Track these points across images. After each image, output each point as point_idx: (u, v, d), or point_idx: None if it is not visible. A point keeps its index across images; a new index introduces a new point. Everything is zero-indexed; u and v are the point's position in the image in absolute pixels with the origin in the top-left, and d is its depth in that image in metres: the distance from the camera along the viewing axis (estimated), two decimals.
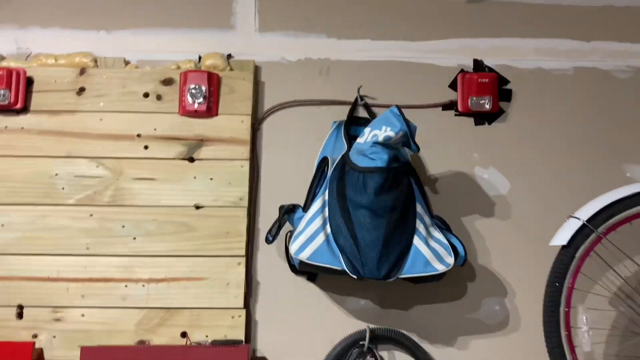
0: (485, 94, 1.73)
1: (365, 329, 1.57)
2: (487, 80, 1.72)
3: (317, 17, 1.85)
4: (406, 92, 1.80)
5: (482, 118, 1.78)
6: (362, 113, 1.79)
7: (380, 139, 1.40)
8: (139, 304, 1.59)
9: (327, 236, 1.44)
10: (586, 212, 1.41)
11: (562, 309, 1.38)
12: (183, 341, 1.56)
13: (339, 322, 1.63)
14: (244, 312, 1.60)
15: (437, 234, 1.46)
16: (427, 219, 1.47)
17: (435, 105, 1.79)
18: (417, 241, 1.43)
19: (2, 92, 1.67)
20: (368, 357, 1.55)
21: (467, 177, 1.75)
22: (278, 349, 1.62)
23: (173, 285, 1.61)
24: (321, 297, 1.66)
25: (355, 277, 1.42)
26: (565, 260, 1.39)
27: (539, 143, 1.77)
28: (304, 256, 1.42)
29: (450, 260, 1.42)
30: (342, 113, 1.76)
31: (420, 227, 1.45)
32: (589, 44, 1.85)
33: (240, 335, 1.57)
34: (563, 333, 1.37)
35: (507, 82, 1.81)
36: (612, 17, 1.86)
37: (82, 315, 1.58)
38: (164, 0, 1.86)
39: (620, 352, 1.60)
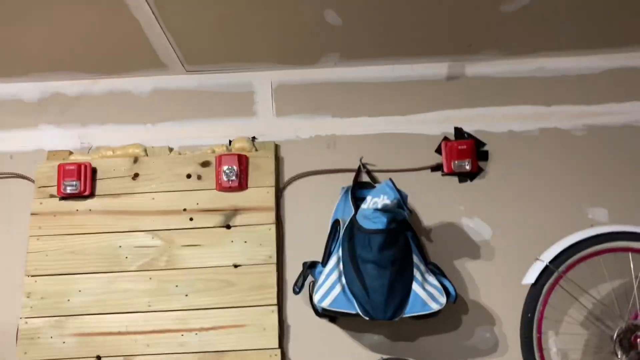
0: (465, 158, 2.09)
1: (379, 359, 1.91)
2: (465, 146, 2.10)
3: (323, 101, 2.25)
4: (400, 158, 2.18)
5: (465, 176, 2.15)
6: (365, 178, 2.16)
7: (379, 206, 1.78)
8: (193, 349, 1.96)
9: (342, 287, 1.80)
10: (548, 255, 1.76)
11: (534, 334, 1.72)
12: None
13: (357, 355, 1.98)
14: (279, 351, 1.95)
15: (431, 279, 1.82)
16: (422, 267, 1.83)
17: (424, 168, 2.16)
18: (415, 286, 1.79)
19: (74, 182, 2.08)
20: None
21: (456, 226, 2.11)
22: None
23: (220, 332, 1.97)
24: (342, 335, 2.01)
25: (367, 318, 1.77)
26: (534, 296, 1.74)
27: (513, 194, 2.13)
28: (325, 304, 1.78)
29: (443, 300, 1.77)
30: (349, 179, 2.14)
31: (417, 274, 1.80)
32: (549, 108, 2.22)
33: None
34: (537, 354, 1.71)
35: (483, 144, 2.18)
36: (568, 83, 2.23)
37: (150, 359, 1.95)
38: (198, 95, 2.27)
39: None
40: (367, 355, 1.98)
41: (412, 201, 2.13)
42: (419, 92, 2.25)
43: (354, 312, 1.79)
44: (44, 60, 2.14)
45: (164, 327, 1.98)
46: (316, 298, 1.80)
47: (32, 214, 2.10)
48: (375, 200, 1.81)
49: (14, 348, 1.97)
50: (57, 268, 2.04)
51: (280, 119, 2.25)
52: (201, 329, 1.98)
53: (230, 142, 2.20)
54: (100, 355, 1.96)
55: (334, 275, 1.82)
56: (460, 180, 2.15)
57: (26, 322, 1.99)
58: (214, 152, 2.16)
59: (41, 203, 2.10)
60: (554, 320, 1.85)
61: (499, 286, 2.03)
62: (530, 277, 1.75)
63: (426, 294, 1.78)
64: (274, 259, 2.03)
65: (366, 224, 1.81)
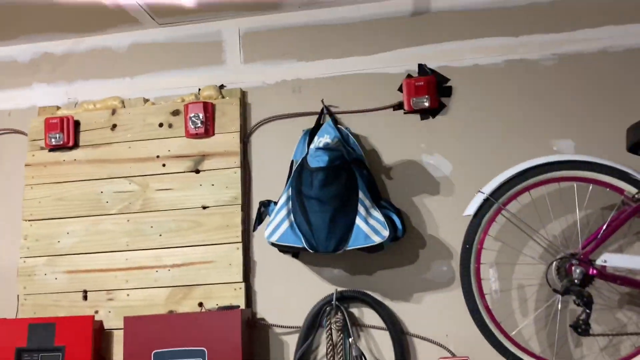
0: (423, 94, 2.08)
1: (334, 292, 2.00)
2: (422, 83, 2.08)
3: (289, 45, 2.28)
4: (364, 98, 2.19)
5: (426, 113, 2.14)
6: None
7: (321, 145, 1.83)
8: (166, 283, 2.12)
9: (290, 222, 1.88)
10: (489, 187, 1.76)
11: (472, 265, 1.74)
12: (200, 309, 2.07)
13: (317, 287, 2.07)
14: (243, 285, 2.08)
15: (376, 214, 1.86)
16: (367, 202, 1.87)
17: (386, 107, 2.17)
18: (358, 221, 1.84)
19: (58, 135, 2.26)
20: (338, 314, 1.98)
21: (416, 163, 2.12)
22: (272, 311, 2.09)
23: (190, 268, 2.12)
24: (304, 269, 2.10)
25: (312, 251, 1.86)
26: (473, 228, 1.76)
27: (476, 129, 2.11)
28: (274, 239, 1.88)
29: (385, 233, 1.82)
30: (313, 122, 2.19)
31: (361, 209, 1.85)
32: (517, 38, 2.14)
33: (241, 302, 2.06)
34: (474, 285, 1.73)
35: (447, 80, 2.16)
36: (538, 12, 2.14)
37: (127, 295, 2.14)
38: (170, 47, 2.36)
39: (521, 295, 1.91)
40: (327, 287, 2.07)
41: (373, 140, 2.16)
42: (384, 31, 2.24)
43: (300, 245, 1.87)
44: (34, 22, 2.28)
45: (141, 265, 2.15)
46: (266, 233, 1.90)
47: (25, 165, 2.31)
48: (320, 140, 1.86)
49: (15, 284, 2.22)
50: (48, 213, 2.25)
51: (247, 66, 2.31)
52: (173, 266, 2.13)
53: (199, 90, 2.29)
54: (87, 290, 2.16)
55: (283, 212, 1.91)
56: (422, 118, 2.15)
57: (24, 262, 2.22)
58: (183, 101, 2.27)
59: (33, 155, 2.31)
60: (493, 251, 1.85)
61: (457, 221, 2.02)
62: (470, 209, 1.76)
63: (369, 228, 1.83)
64: (239, 200, 2.14)
65: (312, 162, 1.87)
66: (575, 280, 1.60)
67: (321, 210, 1.83)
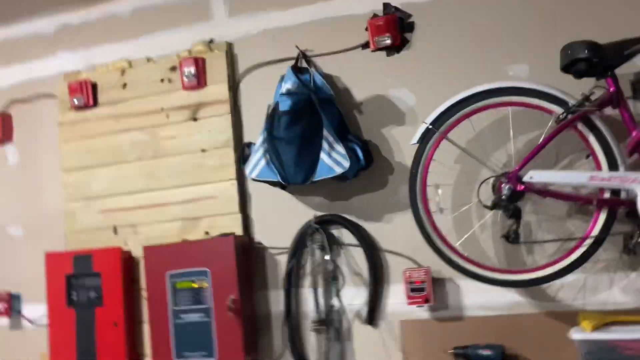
0: (384, 33, 2.24)
1: (314, 215, 2.30)
2: (382, 22, 2.23)
3: None
4: (335, 40, 2.38)
5: (392, 50, 2.30)
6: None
7: (284, 90, 2.08)
8: (178, 217, 2.51)
9: (267, 160, 2.18)
10: (431, 117, 1.95)
11: (418, 187, 1.97)
12: (207, 237, 2.44)
13: (304, 213, 2.37)
14: (240, 215, 2.42)
15: (339, 148, 2.10)
16: (331, 139, 2.11)
17: (355, 47, 2.35)
18: (322, 155, 2.10)
19: (79, 97, 2.63)
20: (317, 235, 2.29)
21: (384, 98, 2.32)
22: (267, 235, 2.43)
23: (197, 204, 2.48)
24: (291, 198, 2.40)
25: (285, 184, 2.15)
26: (418, 154, 1.98)
27: (437, 61, 2.25)
28: (254, 175, 2.19)
29: (346, 164, 2.07)
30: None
31: (324, 145, 2.10)
32: None
33: (239, 229, 2.41)
34: (420, 204, 1.97)
35: (410, 16, 2.29)
36: None
37: (149, 228, 2.55)
38: (166, 8, 2.63)
39: (465, 212, 2.11)
40: (311, 212, 2.36)
41: (345, 79, 2.37)
42: None
43: (275, 179, 2.17)
44: None
45: (157, 202, 2.54)
46: (247, 170, 2.22)
47: (58, 124, 2.72)
48: (284, 86, 2.11)
49: (62, 223, 2.69)
50: (81, 164, 2.67)
51: (232, 19, 2.55)
52: (183, 202, 2.51)
53: (192, 46, 2.57)
54: (116, 225, 2.60)
55: (260, 152, 2.20)
56: (388, 54, 2.32)
57: (66, 205, 2.68)
58: (179, 57, 2.56)
59: (63, 115, 2.71)
60: (437, 174, 2.04)
61: None
62: (415, 138, 1.97)
63: (332, 161, 2.09)
64: (231, 143, 2.45)
65: (280, 106, 2.14)
66: (503, 196, 1.80)
67: (288, 149, 2.11)
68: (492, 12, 2.20)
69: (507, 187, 1.81)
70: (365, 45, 2.33)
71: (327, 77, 2.35)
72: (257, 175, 2.19)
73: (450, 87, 2.21)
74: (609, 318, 1.94)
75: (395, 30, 2.26)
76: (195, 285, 2.31)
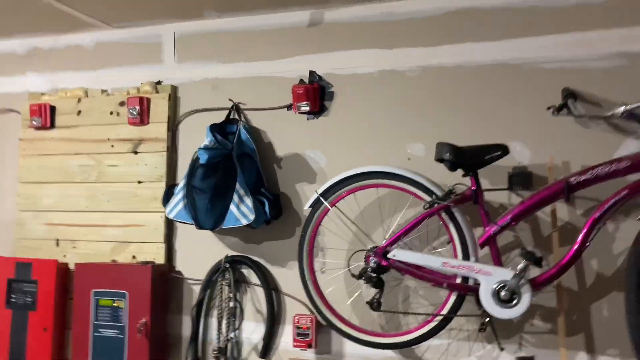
0: (304, 100, 2.47)
1: (225, 256, 2.56)
2: (302, 90, 2.47)
3: (211, 48, 2.73)
4: (266, 98, 2.63)
5: (312, 114, 2.54)
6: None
7: (202, 145, 2.33)
8: (112, 239, 2.78)
9: (184, 204, 2.44)
10: (322, 188, 2.20)
11: (305, 247, 2.22)
12: (133, 261, 2.72)
13: (221, 250, 2.63)
14: (164, 245, 2.69)
15: (248, 201, 2.35)
16: (242, 192, 2.36)
17: (281, 107, 2.60)
18: (232, 207, 2.35)
19: (38, 118, 2.90)
20: (229, 272, 2.54)
21: (301, 156, 2.56)
22: (187, 266, 2.69)
23: (129, 229, 2.75)
24: (212, 236, 2.66)
25: (198, 228, 2.41)
26: (309, 219, 2.22)
27: (349, 130, 2.49)
28: (171, 215, 2.45)
29: (251, 217, 2.32)
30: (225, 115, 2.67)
31: (235, 197, 2.35)
32: (391, 51, 2.45)
33: (161, 258, 2.68)
34: (306, 262, 2.22)
35: (331, 85, 2.53)
36: (413, 27, 2.42)
37: (85, 245, 2.82)
38: (123, 46, 2.89)
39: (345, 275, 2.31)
40: (227, 250, 2.62)
41: (270, 135, 2.62)
42: (286, 39, 2.62)
43: (190, 222, 2.43)
44: (28, 20, 2.84)
45: (95, 223, 2.82)
46: (167, 209, 2.48)
47: (19, 140, 3.00)
48: (205, 141, 2.37)
49: (13, 230, 2.98)
50: (35, 178, 2.94)
51: (180, 65, 2.80)
52: (117, 226, 2.78)
53: (141, 84, 2.82)
54: (58, 239, 2.88)
55: (180, 194, 2.46)
56: (308, 118, 2.56)
57: (19, 214, 2.96)
58: (128, 93, 2.82)
59: (24, 132, 2.99)
60: (324, 238, 2.29)
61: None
62: (308, 204, 2.22)
63: (239, 213, 2.35)
64: (164, 178, 2.71)
65: (199, 158, 2.39)
66: (369, 268, 2.05)
67: (202, 197, 2.37)
68: (400, 93, 2.43)
69: (373, 260, 2.05)
70: (289, 107, 2.58)
71: (255, 131, 2.61)
72: (175, 216, 2.45)
73: (357, 155, 2.47)
74: None
75: (314, 98, 2.49)
76: (115, 305, 2.58)
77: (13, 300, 2.79)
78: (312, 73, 2.56)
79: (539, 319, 2.19)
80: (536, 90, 2.25)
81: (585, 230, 1.87)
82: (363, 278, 2.05)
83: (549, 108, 2.17)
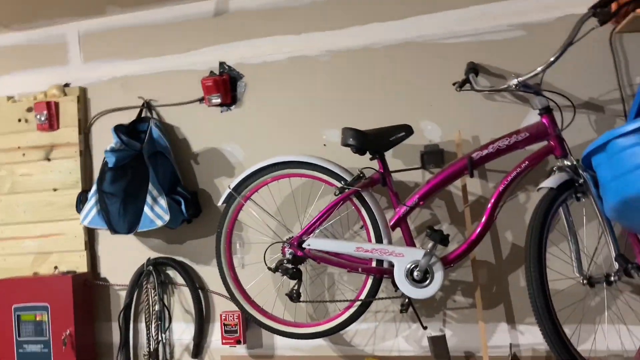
0: (214, 92, 2.41)
1: (148, 258, 2.50)
2: (211, 82, 2.40)
3: (117, 46, 2.63)
4: (177, 93, 2.55)
5: (225, 106, 2.48)
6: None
7: (109, 148, 2.25)
8: (32, 250, 2.67)
9: (97, 210, 2.35)
10: (234, 182, 2.15)
11: (222, 244, 2.18)
12: (55, 271, 2.62)
13: (144, 253, 2.57)
14: (85, 252, 2.60)
15: (162, 202, 2.29)
16: (155, 193, 2.29)
17: (193, 101, 2.53)
18: (146, 209, 2.28)
19: None
20: (152, 275, 2.48)
21: (217, 150, 2.50)
22: (112, 272, 2.62)
23: (48, 239, 2.65)
24: (135, 240, 2.59)
25: (112, 232, 2.33)
26: (224, 215, 2.17)
27: (263, 119, 2.44)
28: (86, 222, 2.37)
29: (166, 218, 2.26)
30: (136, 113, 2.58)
31: (148, 199, 2.28)
32: (299, 36, 2.41)
33: (84, 266, 2.59)
34: (224, 259, 2.18)
35: (242, 76, 2.47)
36: (319, 10, 2.37)
37: (5, 259, 2.71)
38: (27, 49, 2.75)
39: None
40: (150, 252, 2.56)
41: (184, 130, 2.55)
42: (193, 31, 2.54)
43: (105, 228, 2.35)
44: None
45: (12, 236, 2.71)
46: (81, 216, 2.39)
47: None
48: (111, 144, 2.28)
49: None
50: None
51: (87, 65, 2.69)
52: (35, 237, 2.67)
53: (48, 88, 2.70)
54: None
55: (93, 200, 2.37)
56: (222, 110, 2.50)
57: None
58: (35, 99, 2.69)
59: None
60: (240, 232, 2.25)
61: None
62: (220, 200, 2.17)
63: (154, 214, 2.28)
64: (79, 183, 2.61)
65: (107, 162, 2.31)
66: (285, 260, 2.02)
67: (113, 201, 2.29)
68: (312, 79, 2.39)
69: (289, 251, 2.02)
70: (202, 100, 2.51)
71: (168, 128, 2.53)
72: (89, 223, 2.37)
73: (274, 145, 2.42)
74: None
75: (225, 90, 2.43)
76: (37, 319, 2.49)
77: None
78: (221, 64, 2.49)
79: (460, 294, 2.21)
80: (443, 67, 2.24)
81: (490, 205, 1.88)
82: (280, 270, 2.02)
83: (454, 84, 2.17)
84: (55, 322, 2.47)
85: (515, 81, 1.83)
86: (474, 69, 2.06)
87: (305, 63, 2.40)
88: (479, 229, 1.90)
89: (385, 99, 2.30)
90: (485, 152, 1.90)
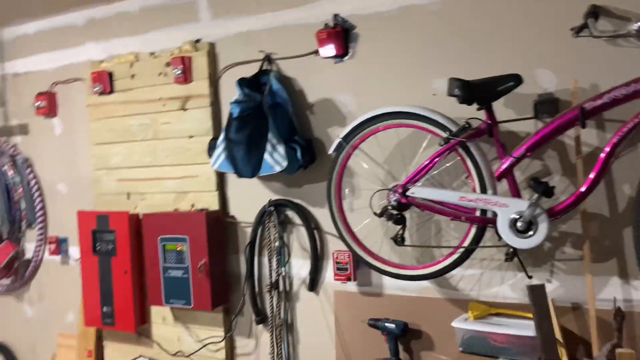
0: (328, 44, 2.52)
1: (269, 200, 2.75)
2: (325, 35, 2.51)
3: (241, 3, 2.82)
4: (295, 46, 2.70)
5: (338, 57, 2.59)
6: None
7: (234, 100, 2.48)
8: (172, 190, 3.06)
9: (225, 156, 2.62)
10: (343, 132, 2.28)
11: (333, 189, 2.34)
12: (192, 209, 2.99)
13: (267, 194, 2.82)
14: (217, 193, 2.92)
15: (280, 149, 2.49)
16: (274, 141, 2.49)
17: (309, 54, 2.66)
18: (266, 156, 2.50)
19: (99, 85, 3.19)
20: (274, 215, 2.74)
21: (331, 101, 2.63)
22: (240, 211, 2.92)
23: (185, 180, 3.01)
24: (258, 183, 2.85)
25: (238, 176, 2.60)
26: (334, 162, 2.33)
27: (375, 70, 2.52)
28: (215, 167, 2.66)
29: (284, 164, 2.46)
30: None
31: (268, 147, 2.49)
32: None
33: (216, 205, 2.92)
34: (334, 201, 2.35)
35: (354, 27, 2.55)
36: None
37: (152, 197, 3.13)
38: (167, 8, 3.05)
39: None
40: (272, 195, 2.81)
41: (301, 83, 2.71)
42: None
43: (232, 172, 2.63)
44: None
45: (157, 176, 3.11)
46: (211, 161, 2.69)
47: (87, 106, 3.32)
48: (236, 95, 2.51)
49: (89, 185, 3.35)
50: (104, 140, 3.27)
51: (214, 22, 2.92)
52: (175, 178, 3.05)
53: (182, 44, 2.99)
54: (129, 192, 3.21)
55: (221, 147, 2.65)
56: (335, 62, 2.61)
57: (94, 173, 3.33)
58: (172, 54, 3.00)
59: (89, 98, 3.30)
60: (350, 179, 2.37)
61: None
62: (332, 148, 2.31)
63: (273, 161, 2.50)
64: (211, 131, 2.91)
65: (232, 112, 2.55)
66: (389, 206, 2.13)
67: (239, 149, 2.54)
68: (421, 29, 2.40)
69: (393, 198, 2.13)
70: (317, 52, 2.63)
71: (286, 80, 2.71)
72: (218, 167, 2.65)
73: (384, 95, 2.50)
74: (493, 310, 2.27)
75: (338, 41, 2.53)
76: (178, 248, 2.88)
77: (98, 248, 3.19)
78: (335, 16, 2.58)
79: (570, 246, 2.18)
80: (561, 12, 2.13)
81: (603, 157, 1.82)
82: (384, 215, 2.14)
83: (572, 29, 2.07)
84: (192, 252, 2.83)
85: (636, 25, 1.71)
86: (594, 12, 1.95)
87: (415, 12, 2.41)
88: (588, 182, 1.86)
89: (497, 48, 2.26)
90: (599, 102, 1.82)
